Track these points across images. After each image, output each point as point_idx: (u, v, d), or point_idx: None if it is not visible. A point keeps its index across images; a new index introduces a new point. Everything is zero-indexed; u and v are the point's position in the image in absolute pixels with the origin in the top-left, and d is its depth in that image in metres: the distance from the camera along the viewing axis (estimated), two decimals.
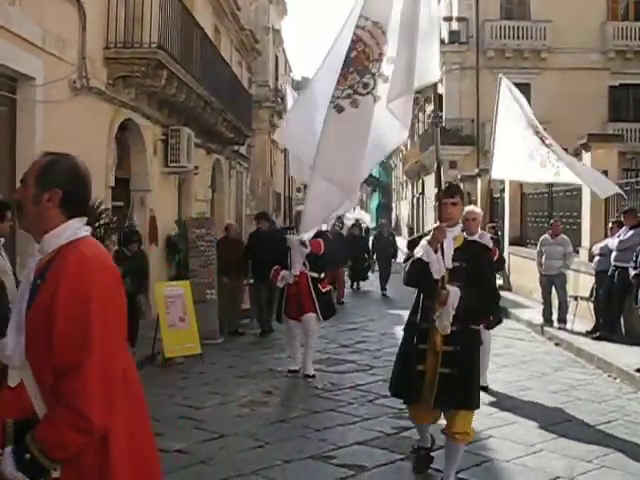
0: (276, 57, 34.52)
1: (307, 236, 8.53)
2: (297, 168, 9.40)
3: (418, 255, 4.76)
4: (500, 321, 8.17)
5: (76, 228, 2.35)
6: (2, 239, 6.00)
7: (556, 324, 12.10)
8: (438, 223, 4.86)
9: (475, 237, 6.33)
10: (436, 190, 5.42)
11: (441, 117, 27.57)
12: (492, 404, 7.43)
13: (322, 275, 8.93)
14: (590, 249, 12.28)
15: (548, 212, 15.53)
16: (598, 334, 10.84)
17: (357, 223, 21.20)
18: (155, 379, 8.88)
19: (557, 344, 11.21)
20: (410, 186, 45.79)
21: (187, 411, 7.29)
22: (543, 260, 12.30)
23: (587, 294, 11.93)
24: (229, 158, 21.54)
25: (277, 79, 34.06)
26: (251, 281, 12.34)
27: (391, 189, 64.03)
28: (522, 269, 15.63)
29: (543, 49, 29.37)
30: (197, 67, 14.18)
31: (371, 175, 69.95)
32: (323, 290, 8.84)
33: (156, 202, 13.35)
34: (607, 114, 29.24)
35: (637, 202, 11.70)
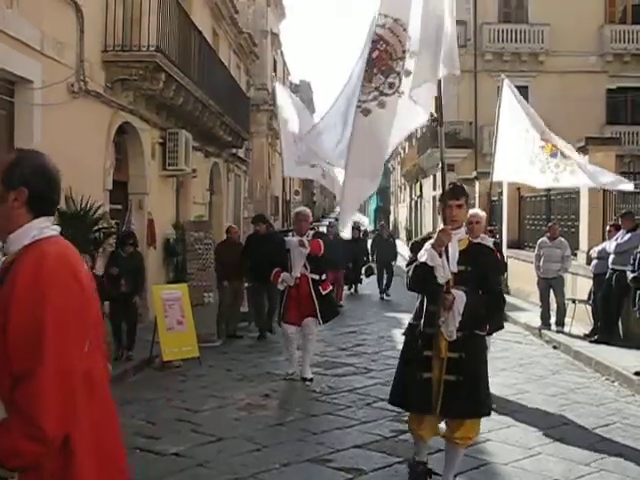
0: (274, 60, 34.54)
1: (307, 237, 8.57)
2: (291, 168, 9.41)
3: (422, 259, 4.52)
4: (501, 327, 8.15)
5: (42, 227, 2.26)
6: None
7: (554, 327, 12.10)
8: (442, 226, 4.63)
9: (477, 241, 6.22)
10: (440, 191, 5.25)
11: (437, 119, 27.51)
12: None
13: (323, 277, 8.83)
14: (588, 252, 12.29)
15: (546, 215, 15.56)
16: (596, 337, 10.84)
17: (355, 225, 21.19)
18: (153, 382, 8.89)
19: (555, 347, 11.21)
20: (408, 189, 45.80)
21: (185, 414, 7.28)
22: (541, 263, 12.31)
23: (585, 297, 11.94)
24: (227, 161, 21.55)
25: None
26: (247, 284, 12.34)
27: (389, 192, 64.01)
28: (520, 272, 15.63)
29: (541, 52, 29.40)
30: (195, 70, 14.18)
31: None
32: (324, 292, 8.71)
33: (154, 205, 13.34)
34: (605, 117, 29.27)
35: (635, 205, 11.72)
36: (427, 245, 4.54)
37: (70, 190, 9.49)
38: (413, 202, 42.45)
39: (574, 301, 12.26)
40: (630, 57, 29.38)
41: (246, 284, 12.45)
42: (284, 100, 9.79)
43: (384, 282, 18.62)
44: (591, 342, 10.78)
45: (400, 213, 52.74)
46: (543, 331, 12.10)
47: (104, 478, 2.25)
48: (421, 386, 4.58)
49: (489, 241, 7.10)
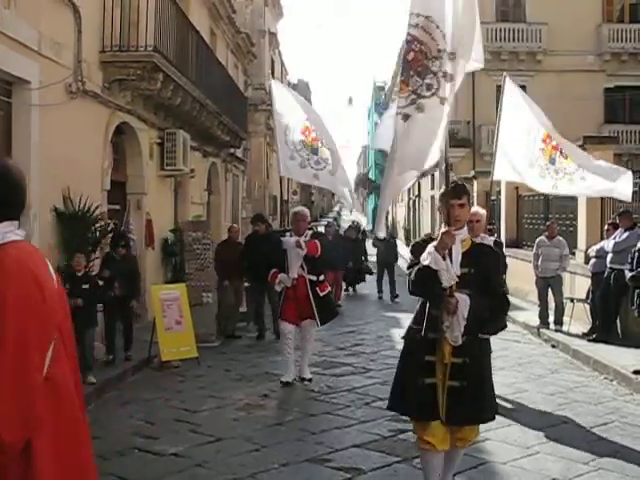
0: (272, 60, 34.53)
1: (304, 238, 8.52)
2: (287, 167, 9.36)
3: (425, 262, 4.30)
4: (504, 327, 8.09)
5: (5, 232, 2.23)
6: None
7: (552, 326, 12.11)
8: (444, 227, 4.44)
9: (477, 240, 5.81)
10: (438, 191, 5.12)
11: None
12: None
13: (321, 277, 8.70)
14: (586, 251, 12.30)
15: (544, 214, 15.57)
16: (594, 336, 10.85)
17: (354, 225, 21.18)
18: (151, 382, 8.89)
19: (553, 346, 11.22)
20: (406, 189, 45.76)
21: (183, 414, 7.28)
22: (539, 262, 12.32)
23: (583, 296, 11.95)
24: (225, 161, 21.54)
25: None
26: (246, 284, 12.34)
27: None
28: (518, 271, 15.63)
29: (539, 51, 29.41)
30: (193, 70, 14.17)
31: (367, 178, 69.94)
32: (322, 293, 8.57)
33: (152, 205, 13.34)
34: (603, 116, 29.29)
35: (632, 204, 11.72)
36: (430, 248, 4.32)
37: (68, 190, 9.51)
38: (411, 202, 42.48)
39: (572, 300, 12.28)
40: (628, 56, 29.39)
41: (245, 284, 12.45)
42: (281, 96, 9.61)
43: (388, 286, 17.95)
44: (589, 341, 10.79)
45: (398, 213, 52.76)
46: (541, 330, 12.11)
47: None
48: (423, 391, 4.39)
49: (489, 240, 7.07)
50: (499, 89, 9.63)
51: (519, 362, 10.01)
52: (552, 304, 12.31)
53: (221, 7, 20.09)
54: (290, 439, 6.39)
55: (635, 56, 29.38)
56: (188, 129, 14.90)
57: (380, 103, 69.00)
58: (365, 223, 56.09)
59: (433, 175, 29.42)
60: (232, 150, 22.03)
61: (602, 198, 12.56)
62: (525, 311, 14.04)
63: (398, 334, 11.98)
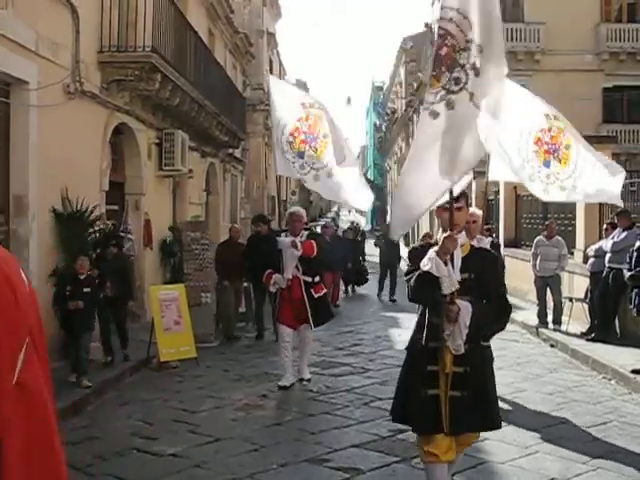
0: (270, 60, 34.51)
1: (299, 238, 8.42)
2: (284, 167, 9.22)
3: (426, 268, 4.12)
4: (502, 329, 8.08)
5: None
6: None
7: (551, 326, 12.12)
8: (441, 231, 4.32)
9: (474, 242, 5.72)
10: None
11: None
12: None
13: (316, 279, 8.58)
14: (585, 251, 12.31)
15: (543, 214, 15.57)
16: (593, 335, 10.86)
17: (352, 226, 21.18)
18: (150, 383, 8.89)
19: (552, 346, 11.22)
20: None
21: (182, 415, 7.28)
22: (538, 262, 12.33)
23: (582, 296, 11.96)
24: (223, 161, 21.54)
25: None
26: (245, 284, 12.33)
27: (386, 192, 64.06)
28: (517, 271, 15.64)
29: (537, 51, 29.41)
30: (191, 71, 14.17)
31: (366, 178, 69.95)
32: (316, 295, 8.43)
33: (151, 205, 13.34)
34: (601, 116, 29.29)
35: (631, 204, 11.74)
36: (431, 253, 4.14)
37: (66, 191, 9.50)
38: None
39: (571, 299, 12.29)
40: (626, 56, 29.40)
41: (245, 284, 12.44)
42: (278, 91, 9.26)
43: (389, 286, 18.02)
44: (588, 340, 10.79)
45: None
46: (540, 329, 12.12)
47: None
48: (426, 403, 4.26)
49: (486, 242, 7.07)
50: None
51: (518, 361, 10.01)
52: (551, 303, 12.32)
53: (219, 7, 20.09)
54: (289, 439, 6.39)
55: (633, 56, 29.38)
56: (186, 129, 14.90)
57: (378, 103, 69.08)
58: (364, 223, 56.14)
59: None
60: (230, 150, 22.03)
61: None
62: (524, 310, 14.04)
63: (397, 334, 12.00)
